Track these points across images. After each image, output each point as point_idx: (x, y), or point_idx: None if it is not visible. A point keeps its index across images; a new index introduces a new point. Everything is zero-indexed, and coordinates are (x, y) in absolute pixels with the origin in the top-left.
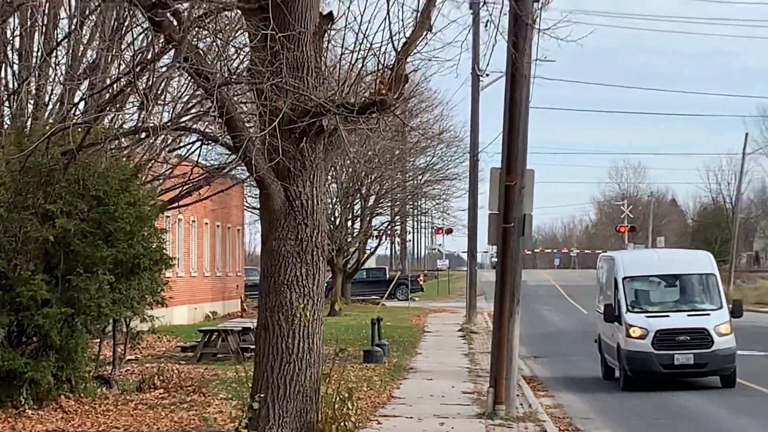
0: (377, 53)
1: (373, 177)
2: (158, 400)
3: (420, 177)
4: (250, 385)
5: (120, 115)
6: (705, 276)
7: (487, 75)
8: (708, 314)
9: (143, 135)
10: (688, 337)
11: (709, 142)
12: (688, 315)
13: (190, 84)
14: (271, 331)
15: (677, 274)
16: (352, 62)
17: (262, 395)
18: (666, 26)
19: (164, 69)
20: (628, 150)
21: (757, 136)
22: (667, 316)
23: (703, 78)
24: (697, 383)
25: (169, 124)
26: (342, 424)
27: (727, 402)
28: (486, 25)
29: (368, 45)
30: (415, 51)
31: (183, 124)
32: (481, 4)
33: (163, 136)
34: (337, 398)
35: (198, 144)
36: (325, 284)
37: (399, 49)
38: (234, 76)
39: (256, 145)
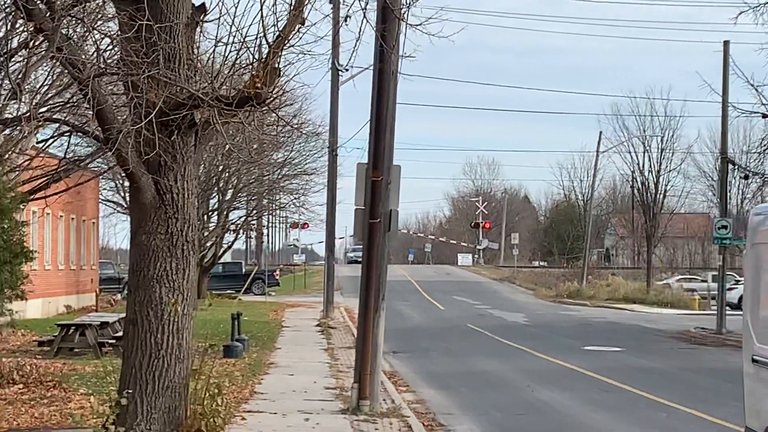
0: (251, 46)
1: (231, 171)
2: (17, 396)
3: (278, 171)
4: (110, 380)
5: None
6: None
7: (347, 70)
8: None
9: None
10: None
11: (562, 140)
12: None
13: (50, 74)
14: (140, 327)
15: None
16: (226, 54)
17: (130, 391)
18: (519, 23)
19: (38, 58)
20: (482, 146)
21: (611, 134)
22: None
23: (557, 76)
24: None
25: (39, 114)
26: (211, 420)
27: (586, 398)
28: (346, 21)
29: (242, 38)
30: (288, 45)
31: (43, 115)
32: None
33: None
34: (207, 394)
35: (57, 135)
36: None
37: (272, 43)
38: (108, 67)
39: (129, 138)
